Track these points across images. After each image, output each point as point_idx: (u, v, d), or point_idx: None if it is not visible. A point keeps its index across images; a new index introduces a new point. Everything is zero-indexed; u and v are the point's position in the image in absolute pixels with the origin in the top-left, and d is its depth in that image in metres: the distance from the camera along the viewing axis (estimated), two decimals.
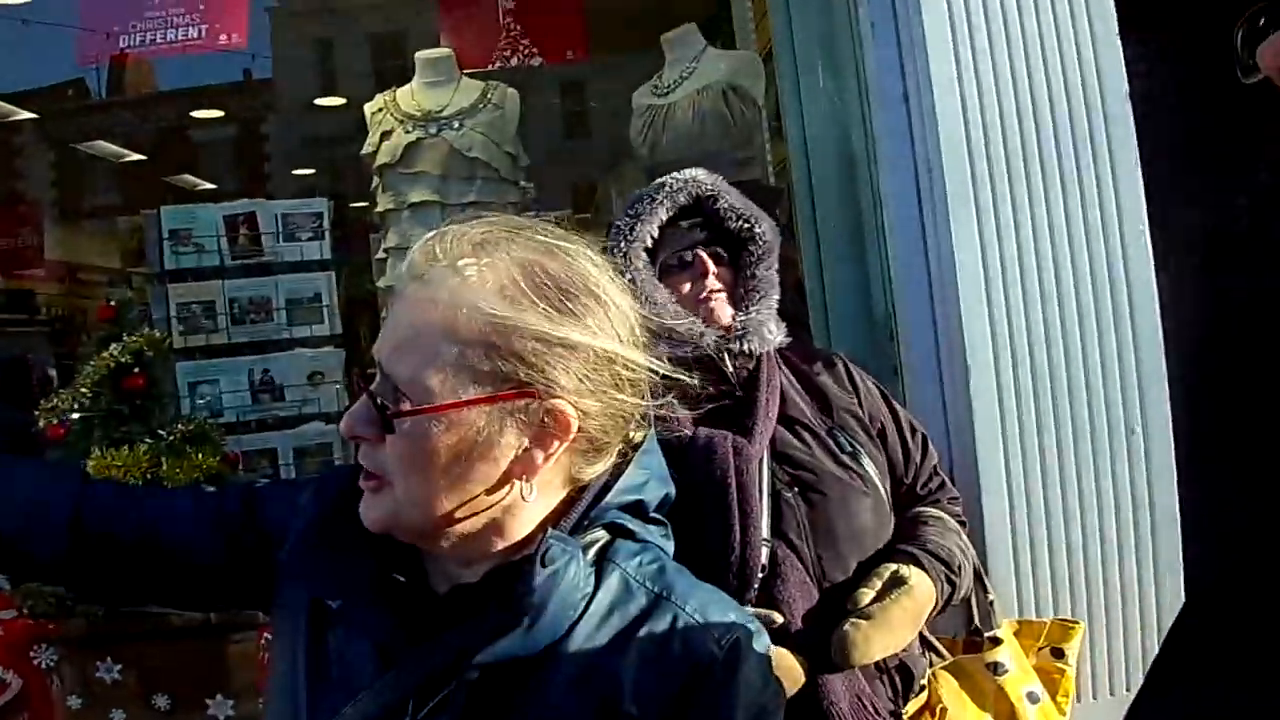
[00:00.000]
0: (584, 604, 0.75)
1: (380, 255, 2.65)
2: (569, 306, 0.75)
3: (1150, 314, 1.97)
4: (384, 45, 7.38)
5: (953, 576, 1.34)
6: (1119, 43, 1.92)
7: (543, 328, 0.74)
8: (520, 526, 0.79)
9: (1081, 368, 1.97)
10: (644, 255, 1.42)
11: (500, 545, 0.79)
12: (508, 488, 0.77)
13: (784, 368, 1.44)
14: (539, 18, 2.70)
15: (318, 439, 2.54)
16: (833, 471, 1.34)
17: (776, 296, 1.43)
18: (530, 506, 0.78)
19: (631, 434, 0.83)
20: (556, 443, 0.76)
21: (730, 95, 2.49)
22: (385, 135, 2.57)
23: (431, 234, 0.80)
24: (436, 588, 0.81)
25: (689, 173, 1.45)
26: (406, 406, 0.74)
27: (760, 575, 1.27)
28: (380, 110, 2.61)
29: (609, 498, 0.80)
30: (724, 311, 1.39)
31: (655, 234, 1.42)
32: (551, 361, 0.74)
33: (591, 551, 0.78)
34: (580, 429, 0.77)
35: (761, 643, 0.78)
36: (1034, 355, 1.97)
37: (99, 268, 5.33)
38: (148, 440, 1.93)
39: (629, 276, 1.40)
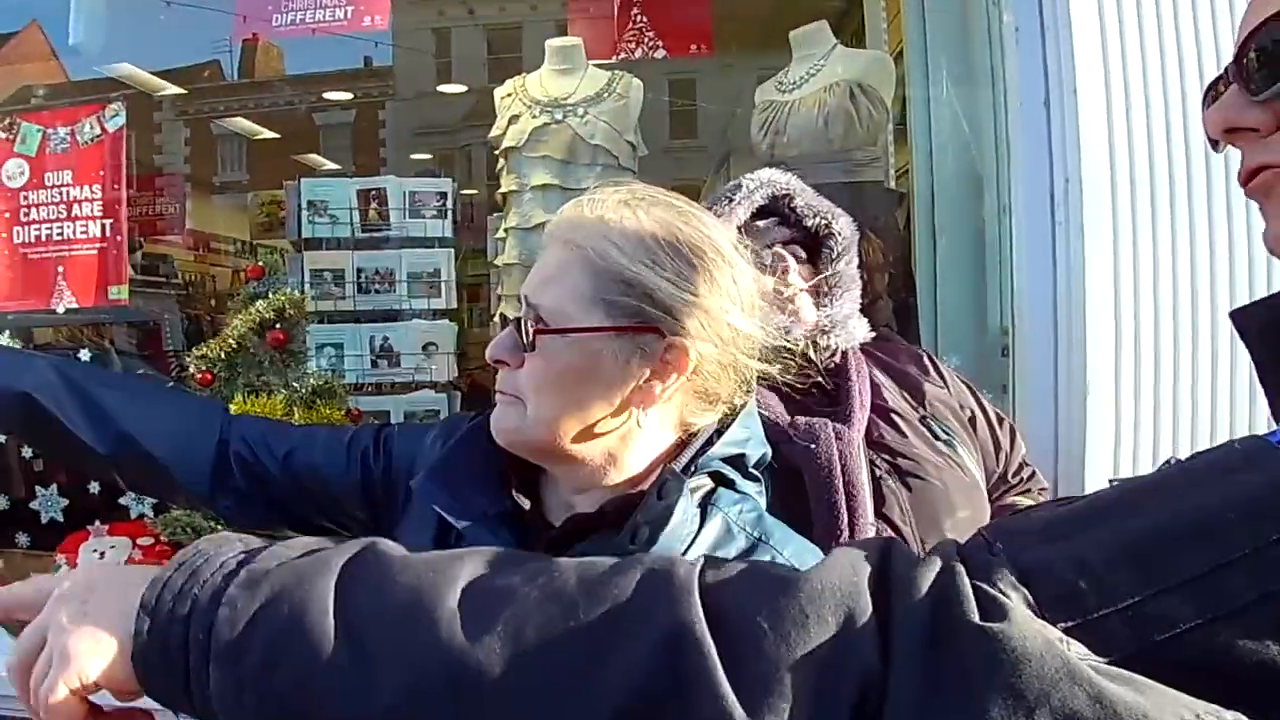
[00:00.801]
0: (690, 540, 0.80)
1: (500, 235, 2.72)
2: (696, 262, 0.83)
3: None
4: (499, 38, 7.54)
5: None
6: None
7: (671, 275, 0.81)
8: (634, 459, 0.86)
9: (1209, 401, 1.89)
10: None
11: (614, 477, 0.85)
12: (626, 414, 0.83)
13: (871, 360, 1.45)
14: (667, 11, 2.72)
15: (428, 406, 2.63)
16: (930, 458, 1.34)
17: (858, 292, 1.44)
18: (645, 440, 0.85)
19: (737, 396, 0.89)
20: (675, 377, 0.83)
21: (858, 94, 2.47)
22: (513, 119, 2.63)
23: (583, 195, 0.89)
24: (553, 519, 0.88)
25: (764, 173, 1.45)
26: (546, 330, 0.82)
27: None
28: (509, 95, 2.68)
29: (714, 449, 0.86)
30: (809, 309, 1.40)
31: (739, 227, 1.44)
32: (676, 305, 0.81)
33: (698, 495, 0.84)
34: (695, 370, 0.84)
35: None
36: (1159, 383, 1.91)
37: (229, 238, 5.60)
38: (283, 390, 2.05)
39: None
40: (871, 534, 1.28)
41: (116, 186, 2.42)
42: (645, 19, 2.69)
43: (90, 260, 2.43)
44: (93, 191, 2.42)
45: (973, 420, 1.45)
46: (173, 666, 0.49)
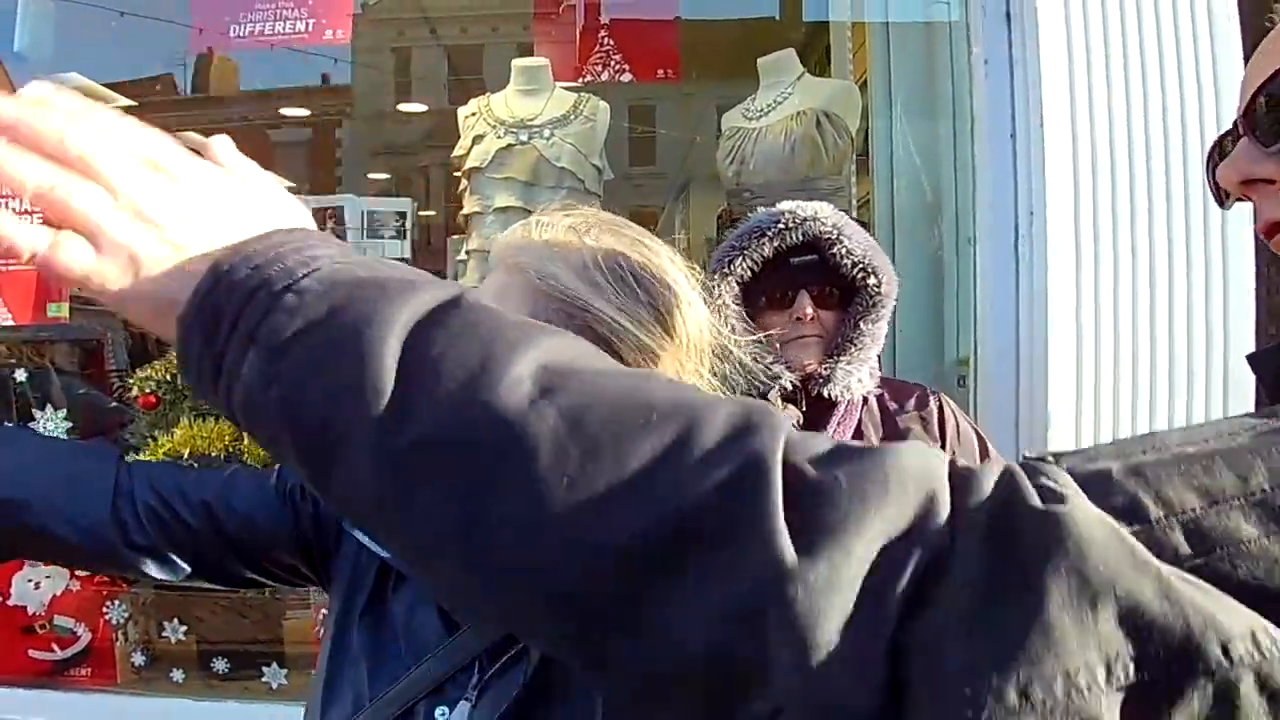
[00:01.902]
0: None
1: (461, 257, 2.67)
2: (640, 291, 0.81)
3: (1247, 382, 1.90)
4: (461, 58, 7.52)
5: None
6: None
7: (613, 302, 0.79)
8: None
9: (1166, 429, 1.91)
10: (735, 287, 1.42)
11: None
12: None
13: (872, 405, 1.42)
14: (634, 35, 2.71)
15: None
16: None
17: (876, 351, 1.41)
18: None
19: None
20: None
21: (824, 123, 2.48)
22: (477, 139, 2.59)
23: (531, 217, 0.87)
24: None
25: (811, 209, 1.41)
26: None
27: None
28: (474, 115, 2.64)
29: None
30: (812, 355, 1.39)
31: (754, 269, 1.41)
32: (617, 332, 0.79)
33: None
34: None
35: None
36: (1118, 413, 1.92)
37: None
38: None
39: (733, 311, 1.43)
40: None
41: None
42: (612, 42, 2.67)
43: (29, 275, 2.32)
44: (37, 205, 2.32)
45: None
46: (213, 337, 0.44)
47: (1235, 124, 0.61)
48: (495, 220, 2.54)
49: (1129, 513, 0.38)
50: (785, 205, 1.44)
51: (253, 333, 0.44)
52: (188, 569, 0.93)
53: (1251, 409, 1.92)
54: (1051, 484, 0.39)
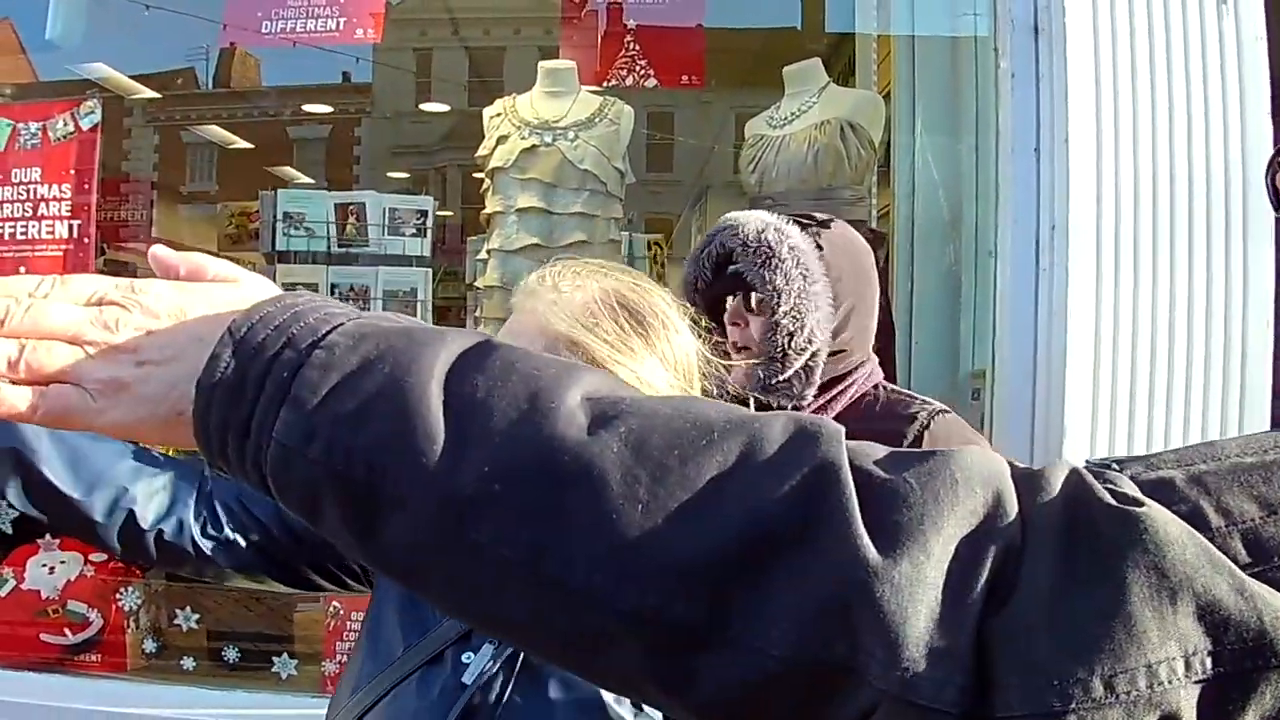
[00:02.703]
0: None
1: (482, 256, 2.69)
2: (634, 326, 0.93)
3: (1263, 402, 1.90)
4: (482, 60, 7.55)
5: None
6: (1269, 121, 1.87)
7: (610, 338, 0.91)
8: None
9: (1182, 445, 1.91)
10: (691, 306, 1.42)
11: None
12: None
13: (860, 410, 1.39)
14: (660, 40, 2.73)
15: None
16: None
17: (814, 353, 1.34)
18: None
19: None
20: None
21: (848, 132, 2.49)
22: (501, 140, 2.61)
23: (546, 266, 1.00)
24: None
25: (725, 219, 1.40)
26: None
27: None
28: (499, 115, 2.66)
29: None
30: (737, 371, 1.33)
31: (705, 280, 1.41)
32: (615, 363, 0.90)
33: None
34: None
35: None
36: (1133, 427, 1.92)
37: (196, 249, 5.48)
38: None
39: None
40: None
41: (87, 188, 2.34)
42: (638, 47, 2.68)
43: (55, 262, 2.35)
44: (61, 191, 2.35)
45: None
46: (239, 402, 0.43)
47: None
48: (517, 220, 2.56)
49: (1191, 521, 0.39)
50: (726, 216, 1.42)
51: (285, 391, 0.43)
52: (257, 564, 1.02)
53: (1268, 422, 1.91)
54: (1123, 489, 0.40)
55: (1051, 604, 0.37)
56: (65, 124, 2.36)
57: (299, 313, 0.45)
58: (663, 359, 0.93)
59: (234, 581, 1.07)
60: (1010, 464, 0.43)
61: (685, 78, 2.82)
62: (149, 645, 2.40)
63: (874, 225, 2.90)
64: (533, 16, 4.94)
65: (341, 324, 0.45)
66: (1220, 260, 1.89)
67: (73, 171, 2.34)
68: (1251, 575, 0.37)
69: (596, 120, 2.60)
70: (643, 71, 2.74)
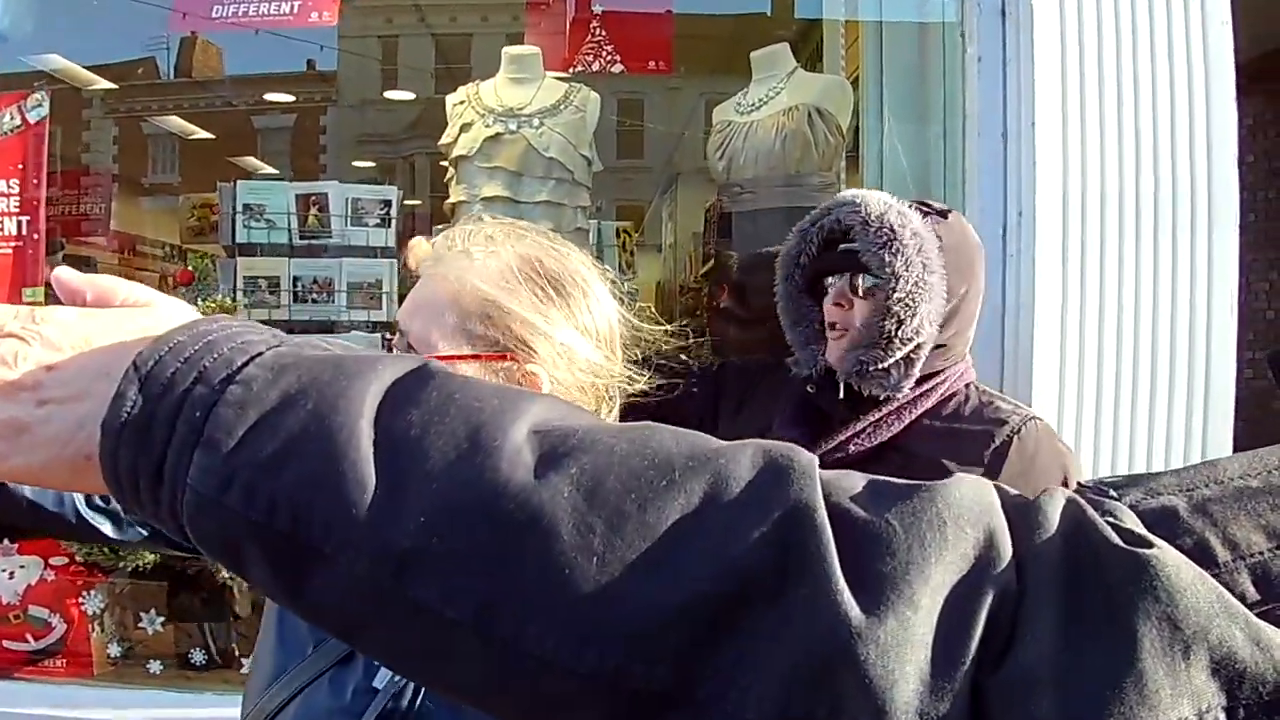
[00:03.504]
0: None
1: None
2: (553, 295, 0.90)
3: (1227, 390, 1.91)
4: (449, 47, 7.46)
5: None
6: (1234, 106, 1.87)
7: (527, 308, 0.88)
8: None
9: (1146, 436, 1.92)
10: (798, 280, 1.42)
11: None
12: None
13: (950, 409, 1.36)
14: (627, 26, 2.69)
15: None
16: None
17: (916, 347, 1.30)
18: None
19: (602, 412, 0.95)
20: None
21: (816, 119, 2.47)
22: (465, 128, 2.56)
23: (452, 227, 0.94)
24: None
25: (849, 194, 1.36)
26: None
27: None
28: (462, 103, 2.61)
29: None
30: (831, 348, 1.35)
31: (810, 256, 1.39)
32: (532, 335, 0.87)
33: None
34: (550, 394, 0.88)
35: None
36: (1099, 412, 1.93)
37: (158, 242, 5.38)
38: None
39: (778, 292, 1.44)
40: None
41: (36, 182, 2.27)
42: (604, 32, 2.64)
43: (3, 260, 2.28)
44: (9, 186, 2.28)
45: None
46: (149, 445, 0.39)
47: None
48: (482, 209, 2.51)
49: (1196, 556, 0.36)
50: (849, 191, 1.39)
51: (198, 432, 0.39)
52: (143, 531, 0.99)
53: (1231, 411, 1.92)
54: (1128, 525, 0.37)
55: (1055, 659, 0.34)
56: (11, 118, 2.28)
57: (212, 342, 0.41)
58: (583, 330, 0.90)
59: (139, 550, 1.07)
60: (1000, 493, 0.39)
61: (653, 63, 2.79)
62: (114, 649, 2.36)
63: None
64: (500, 3, 4.88)
65: (260, 354, 0.40)
66: (1185, 245, 1.90)
67: (20, 166, 2.27)
68: (1260, 613, 0.35)
69: (562, 107, 2.56)
70: (609, 57, 2.70)
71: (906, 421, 1.33)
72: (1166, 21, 1.88)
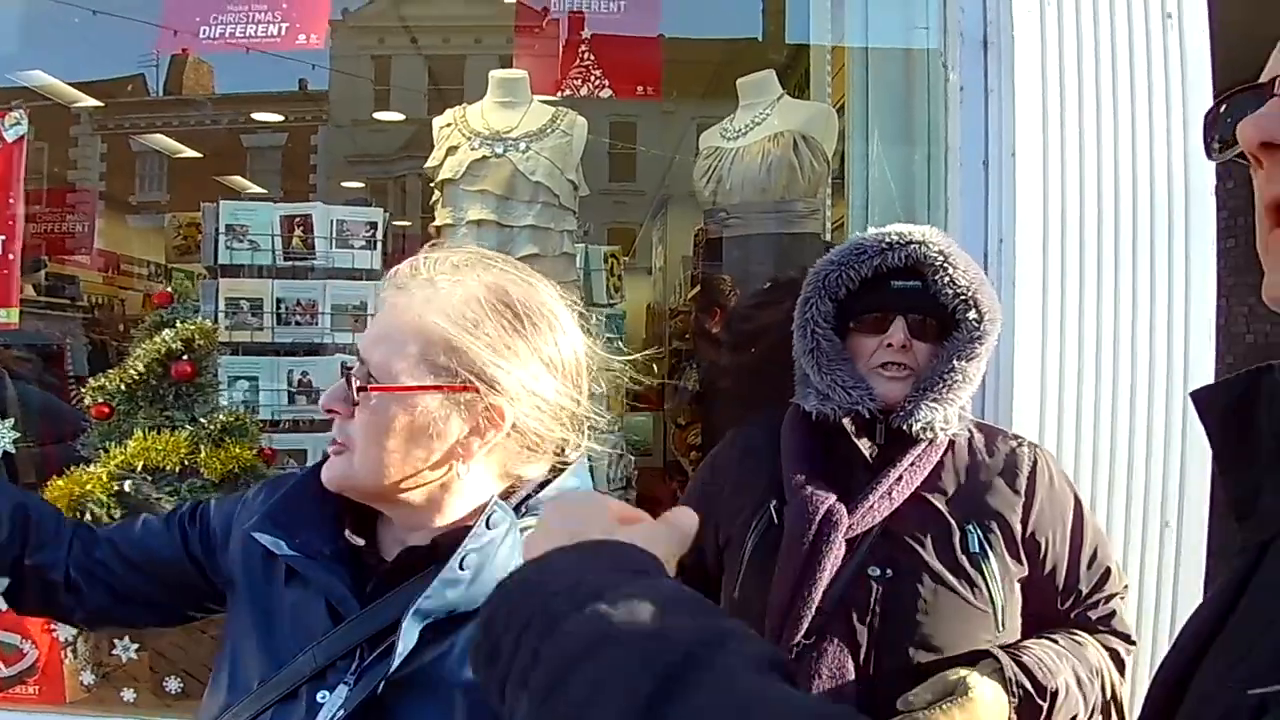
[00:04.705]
0: None
1: None
2: (520, 327, 0.89)
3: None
4: (441, 69, 7.49)
5: (1039, 697, 1.20)
6: None
7: (492, 341, 0.87)
8: (459, 504, 0.92)
9: (1126, 459, 1.92)
10: (829, 304, 1.36)
11: (440, 520, 0.91)
12: (447, 467, 0.90)
13: (960, 448, 1.35)
14: (616, 51, 2.70)
15: None
16: (934, 565, 1.26)
17: (969, 392, 1.32)
18: (469, 487, 0.91)
19: (568, 449, 0.96)
20: (492, 434, 0.89)
21: (801, 145, 2.48)
22: (451, 150, 2.56)
23: (419, 254, 0.93)
24: (387, 555, 0.93)
25: (920, 232, 1.34)
26: (373, 386, 0.89)
27: (804, 641, 1.25)
28: (449, 125, 2.61)
29: (543, 493, 0.93)
30: (893, 390, 1.31)
31: (850, 288, 1.35)
32: (496, 367, 0.87)
33: (526, 534, 0.88)
34: (515, 427, 0.90)
35: None
36: (1080, 436, 1.93)
37: (143, 260, 5.37)
38: (188, 427, 1.91)
39: (805, 317, 1.37)
40: (806, 622, 1.25)
41: (13, 200, 2.25)
42: (593, 57, 2.65)
43: None
44: None
45: (1038, 549, 1.31)
46: (494, 661, 0.52)
47: (1273, 81, 0.57)
48: (468, 233, 2.51)
49: None
50: (896, 226, 1.37)
51: (524, 680, 0.49)
52: (120, 609, 1.03)
53: (1206, 446, 1.93)
54: None
55: None
56: None
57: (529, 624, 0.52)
58: (549, 364, 0.90)
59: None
60: None
61: (641, 88, 2.79)
62: (87, 677, 2.32)
63: (829, 238, 2.90)
64: (493, 25, 4.90)
65: (569, 632, 0.50)
66: (1163, 271, 1.91)
67: None
68: None
69: (549, 131, 2.56)
70: (598, 82, 2.71)
71: (935, 460, 1.32)
72: (1146, 53, 1.90)
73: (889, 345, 1.31)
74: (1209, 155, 0.65)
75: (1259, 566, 0.54)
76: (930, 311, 1.32)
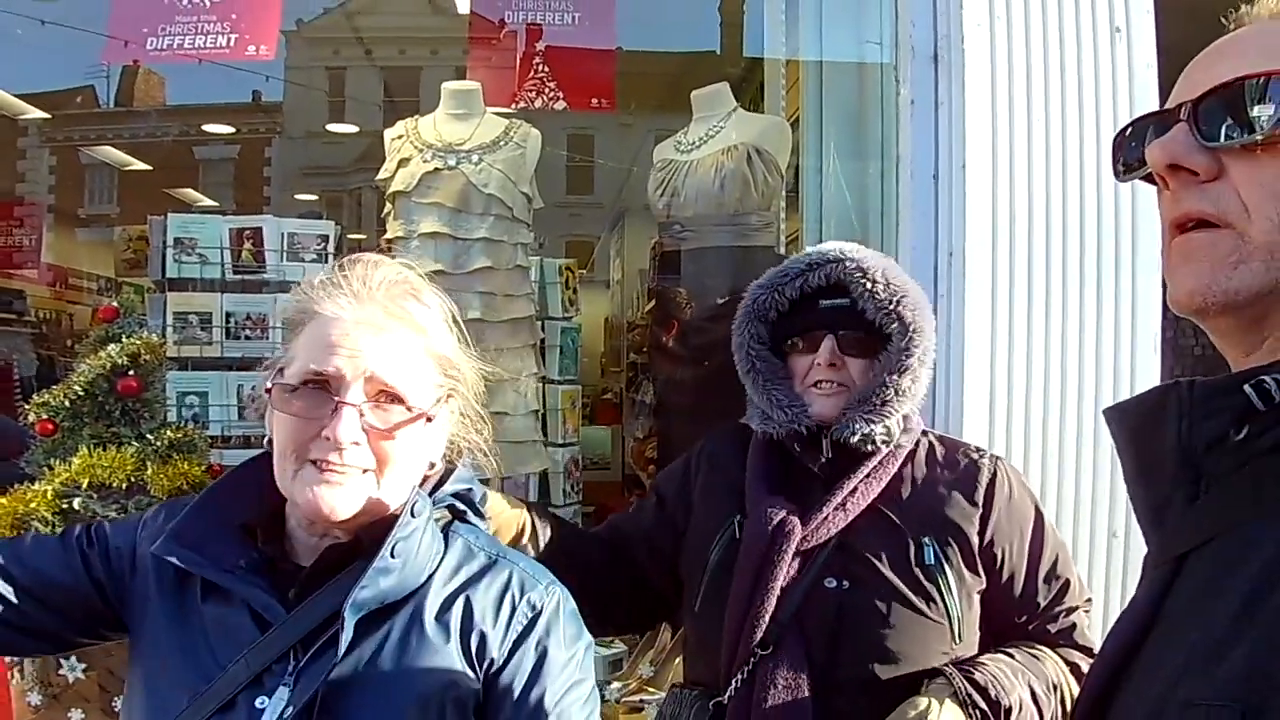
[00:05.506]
0: (438, 561, 0.94)
1: None
2: (460, 336, 1.01)
3: None
4: (397, 81, 7.44)
5: (993, 714, 1.20)
6: None
7: (461, 349, 1.00)
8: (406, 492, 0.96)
9: (1074, 470, 1.95)
10: (761, 327, 1.38)
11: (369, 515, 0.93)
12: (429, 466, 1.00)
13: (919, 459, 1.35)
14: (570, 62, 2.70)
15: None
16: (889, 577, 1.26)
17: (909, 405, 1.32)
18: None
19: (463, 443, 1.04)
20: (443, 430, 1.00)
21: (755, 158, 2.49)
22: (403, 163, 2.54)
23: (356, 263, 0.97)
24: (301, 561, 0.94)
25: (838, 249, 1.35)
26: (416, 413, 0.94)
27: (760, 652, 1.25)
28: (400, 137, 2.59)
29: (447, 487, 1.00)
30: (827, 406, 1.32)
31: (781, 310, 1.36)
32: (460, 373, 0.99)
33: (440, 524, 0.98)
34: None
35: (570, 600, 0.99)
36: (1028, 448, 1.95)
37: (92, 274, 5.25)
38: (135, 444, 1.86)
39: (739, 339, 1.39)
40: (759, 633, 1.25)
41: None
42: (547, 69, 2.65)
43: None
44: None
45: (995, 560, 1.31)
46: None
47: (1180, 106, 0.60)
48: (421, 246, 2.48)
49: None
50: (823, 245, 1.38)
51: None
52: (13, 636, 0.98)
53: None
54: None
55: None
56: None
57: None
58: (471, 361, 1.01)
59: None
60: None
61: (596, 100, 2.80)
62: (34, 697, 2.25)
63: (783, 251, 2.92)
64: (449, 37, 4.89)
65: None
66: (1110, 286, 1.94)
67: None
68: None
69: (502, 143, 2.55)
70: (552, 94, 2.71)
71: (892, 473, 1.33)
72: (1094, 67, 1.94)
73: (818, 364, 1.33)
74: (1117, 177, 0.68)
75: (1176, 579, 0.55)
76: (859, 327, 1.33)
